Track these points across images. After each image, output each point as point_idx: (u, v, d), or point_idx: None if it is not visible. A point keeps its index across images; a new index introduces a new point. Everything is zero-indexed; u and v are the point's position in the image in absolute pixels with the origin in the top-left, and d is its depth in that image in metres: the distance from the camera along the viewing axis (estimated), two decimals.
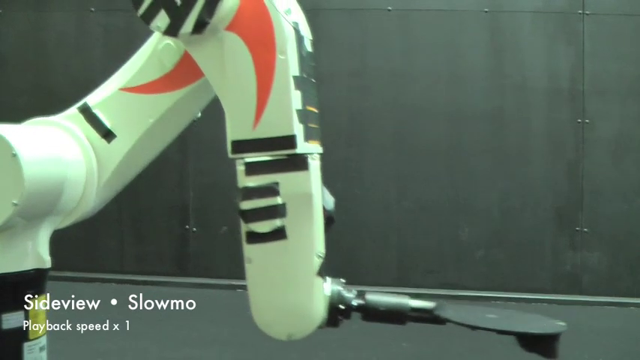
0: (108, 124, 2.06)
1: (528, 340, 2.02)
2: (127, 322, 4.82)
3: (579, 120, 5.95)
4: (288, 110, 1.92)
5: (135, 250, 6.32)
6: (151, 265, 6.26)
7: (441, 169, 6.06)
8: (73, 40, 6.42)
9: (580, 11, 5.96)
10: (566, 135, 5.99)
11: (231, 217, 6.13)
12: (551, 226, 6.01)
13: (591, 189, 5.97)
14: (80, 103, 2.06)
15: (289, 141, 1.93)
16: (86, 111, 2.06)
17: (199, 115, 2.23)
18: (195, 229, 6.23)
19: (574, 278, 5.99)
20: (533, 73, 6.01)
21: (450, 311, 2.11)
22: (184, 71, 2.07)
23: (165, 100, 2.08)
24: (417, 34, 6.08)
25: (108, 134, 2.06)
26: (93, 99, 2.07)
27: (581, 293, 5.95)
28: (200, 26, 1.87)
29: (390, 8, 6.04)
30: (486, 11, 5.99)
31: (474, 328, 2.05)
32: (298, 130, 1.93)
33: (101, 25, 6.35)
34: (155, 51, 2.08)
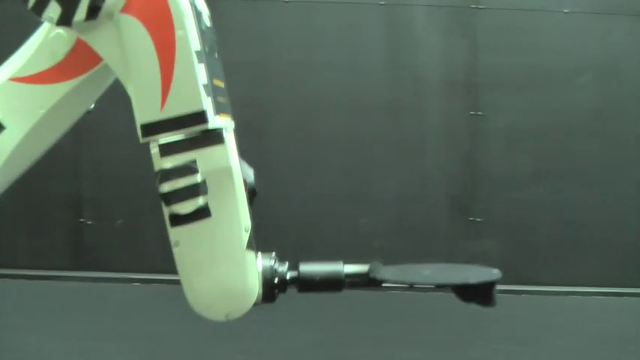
0: None
1: (466, 291, 2.05)
2: (23, 316, 4.76)
3: (472, 112, 6.05)
4: (194, 86, 1.90)
5: (28, 244, 6.16)
6: (45, 259, 6.10)
7: (339, 159, 6.09)
8: None
9: (473, 5, 6.06)
10: (460, 126, 6.09)
11: (126, 209, 6.09)
12: (447, 215, 6.10)
13: (485, 179, 6.08)
14: None
15: (200, 116, 1.91)
16: None
17: (93, 106, 2.17)
18: (89, 221, 6.11)
19: None
20: (429, 65, 6.09)
21: (385, 272, 2.12)
22: (76, 61, 2.02)
23: (57, 90, 2.03)
24: (315, 26, 6.10)
25: None
26: None
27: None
28: (93, 11, 1.83)
29: (287, 0, 6.05)
30: (382, 4, 6.05)
31: (411, 285, 2.07)
32: (207, 104, 1.92)
33: None
34: (46, 40, 2.01)
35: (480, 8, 6.07)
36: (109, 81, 2.12)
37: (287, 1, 6.04)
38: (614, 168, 6.09)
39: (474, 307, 5.14)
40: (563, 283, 6.01)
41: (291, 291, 2.16)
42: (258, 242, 5.98)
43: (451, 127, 6.10)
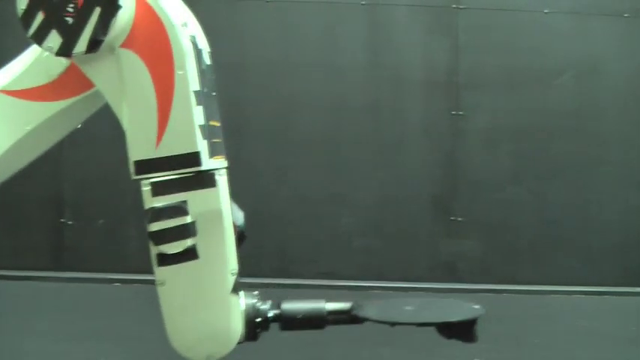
0: None
1: (448, 329, 2.04)
2: (3, 317, 4.72)
3: (453, 112, 6.07)
4: (190, 127, 1.89)
5: (8, 244, 6.12)
6: (25, 259, 6.07)
7: (319, 159, 6.10)
8: None
9: (455, 5, 6.08)
10: (441, 126, 6.11)
11: (107, 210, 6.06)
12: (428, 215, 6.12)
13: (466, 179, 6.10)
14: None
15: (194, 158, 1.91)
16: None
17: (80, 125, 2.17)
18: (70, 221, 6.09)
19: (450, 266, 6.10)
20: (410, 65, 6.11)
21: (367, 309, 2.11)
22: (69, 82, 2.00)
23: (47, 109, 2.01)
24: (295, 26, 6.11)
25: None
26: None
27: (456, 281, 6.06)
28: (94, 45, 1.81)
29: (267, 0, 6.04)
30: (363, 4, 6.05)
31: (393, 324, 2.05)
32: (202, 146, 1.92)
33: None
34: (40, 57, 1.98)
35: (461, 8, 6.09)
36: (100, 105, 2.10)
37: (268, 1, 6.04)
38: (594, 167, 6.13)
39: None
40: (544, 282, 6.04)
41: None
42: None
43: (432, 127, 6.11)
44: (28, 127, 2.02)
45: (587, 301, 5.84)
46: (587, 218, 6.13)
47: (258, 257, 6.07)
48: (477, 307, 2.09)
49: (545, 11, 6.09)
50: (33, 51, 2.01)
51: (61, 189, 6.07)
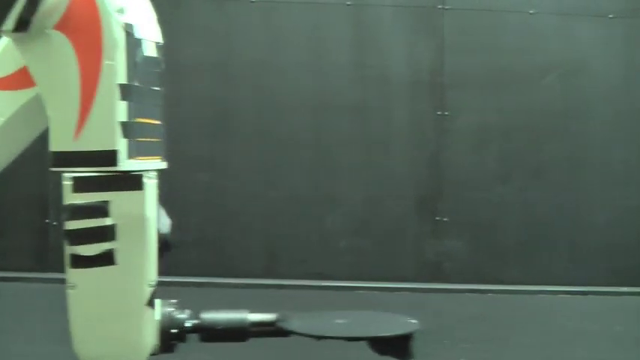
0: None
1: (380, 344, 1.96)
2: None
3: (439, 112, 6.07)
4: (110, 122, 1.81)
5: None
6: (9, 260, 6.03)
7: (305, 159, 6.08)
8: None
9: (440, 6, 6.08)
10: (427, 126, 6.11)
11: None
12: (414, 215, 6.11)
13: (452, 179, 6.10)
14: None
15: (110, 156, 1.82)
16: None
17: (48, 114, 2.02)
18: (55, 222, 6.05)
19: (436, 266, 6.10)
20: (395, 65, 6.10)
21: (293, 322, 2.03)
22: None
23: (18, 97, 1.97)
24: (281, 26, 6.10)
25: None
26: None
27: (443, 281, 6.06)
28: (23, 24, 1.75)
29: (253, 0, 6.03)
30: (349, 4, 6.05)
31: (319, 338, 1.97)
32: (121, 144, 1.83)
33: None
34: (9, 45, 1.94)
35: (446, 9, 6.09)
36: None
37: (253, 1, 6.02)
38: (580, 167, 6.14)
39: (440, 306, 5.15)
40: (530, 282, 6.04)
41: None
42: (225, 244, 5.88)
43: (418, 127, 6.11)
44: (2, 119, 1.97)
45: (573, 300, 5.85)
46: (573, 218, 6.14)
47: (246, 258, 6.06)
48: (413, 321, 2.00)
49: (531, 12, 6.10)
50: (1, 41, 1.96)
51: (46, 190, 6.02)
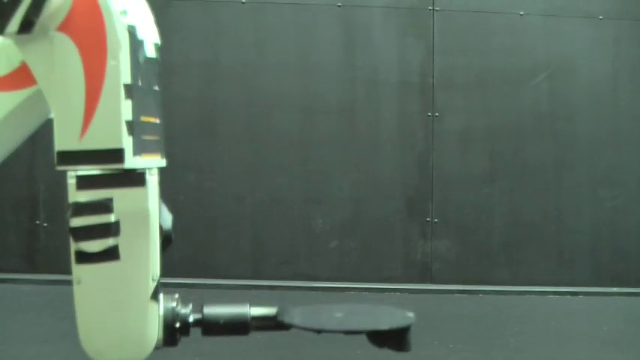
0: None
1: (378, 337, 1.98)
2: None
3: (429, 113, 6.09)
4: (116, 121, 1.81)
5: None
6: None
7: (293, 160, 6.09)
8: None
9: (430, 7, 6.10)
10: (416, 127, 6.12)
11: None
12: (403, 216, 6.13)
13: (441, 180, 6.12)
14: None
15: (117, 155, 1.82)
16: None
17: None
18: (45, 223, 6.05)
19: (425, 267, 6.12)
20: (385, 66, 6.11)
21: (293, 315, 2.04)
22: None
23: (11, 99, 1.94)
24: (270, 27, 6.09)
25: None
26: None
27: (431, 282, 6.08)
28: (27, 25, 1.75)
29: (243, 1, 6.03)
30: (339, 5, 6.06)
31: (319, 331, 1.99)
32: (127, 143, 1.83)
33: None
34: (2, 45, 1.92)
35: (437, 10, 6.10)
36: None
37: (244, 2, 6.03)
38: (568, 169, 6.17)
39: (429, 307, 5.15)
40: (518, 282, 6.07)
41: None
42: (213, 245, 5.88)
43: (407, 128, 6.12)
44: None
45: (561, 301, 5.88)
46: (561, 219, 6.17)
47: (233, 259, 6.07)
48: (410, 314, 2.02)
49: (521, 13, 6.12)
50: None
51: (35, 191, 6.03)
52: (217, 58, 6.06)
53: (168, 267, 5.85)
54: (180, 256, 5.76)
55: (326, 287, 5.88)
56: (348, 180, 6.10)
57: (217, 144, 6.02)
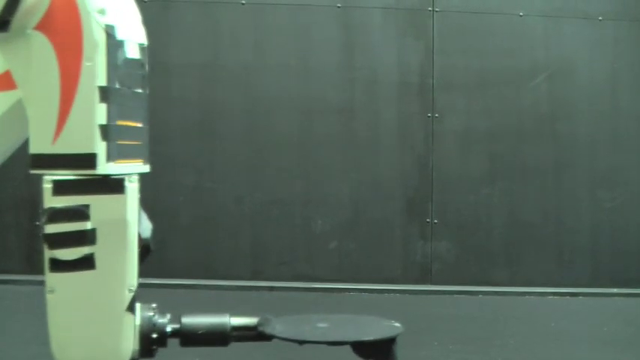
0: None
1: (364, 348, 1.94)
2: None
3: (429, 114, 6.08)
4: (89, 125, 1.77)
5: None
6: None
7: (292, 161, 6.09)
8: None
9: (430, 8, 6.10)
10: (415, 128, 6.12)
11: None
12: (402, 217, 6.12)
13: (440, 181, 6.11)
14: None
15: (89, 160, 1.78)
16: None
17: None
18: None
19: (424, 268, 6.11)
20: (384, 67, 6.11)
21: (274, 327, 2.00)
22: None
23: (7, 98, 1.90)
24: (270, 28, 6.09)
25: None
26: None
27: (431, 282, 6.07)
28: (3, 24, 1.72)
29: (243, 2, 6.03)
30: (339, 6, 6.05)
31: (301, 342, 1.95)
32: (100, 147, 1.78)
33: None
34: None
35: (436, 11, 6.10)
36: None
37: (244, 3, 6.02)
38: (568, 169, 6.16)
39: (428, 308, 5.14)
40: (518, 283, 6.07)
41: None
42: (212, 246, 5.87)
43: (406, 129, 6.12)
44: None
45: (561, 302, 5.87)
46: (561, 220, 6.16)
47: (233, 260, 6.05)
48: (396, 325, 1.99)
49: (520, 14, 6.12)
50: None
51: (34, 192, 6.00)
52: (217, 59, 6.06)
53: (167, 268, 5.86)
54: (180, 256, 5.76)
55: (325, 288, 5.86)
56: (347, 181, 6.09)
57: (217, 145, 6.01)
